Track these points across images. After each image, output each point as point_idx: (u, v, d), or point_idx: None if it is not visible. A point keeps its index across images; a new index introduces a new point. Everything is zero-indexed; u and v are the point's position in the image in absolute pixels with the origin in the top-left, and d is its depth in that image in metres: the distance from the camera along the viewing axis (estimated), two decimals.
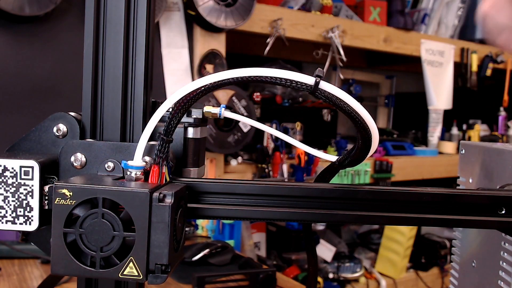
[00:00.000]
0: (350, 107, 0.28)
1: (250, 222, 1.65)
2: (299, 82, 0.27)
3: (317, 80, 0.27)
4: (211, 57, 1.47)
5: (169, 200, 0.27)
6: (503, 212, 0.31)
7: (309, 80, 0.27)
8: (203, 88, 0.28)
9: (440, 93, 2.28)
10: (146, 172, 0.30)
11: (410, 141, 2.28)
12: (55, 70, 1.47)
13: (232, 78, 0.28)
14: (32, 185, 0.30)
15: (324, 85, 0.28)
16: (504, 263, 0.38)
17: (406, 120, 2.62)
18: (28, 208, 0.30)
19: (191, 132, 0.34)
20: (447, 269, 2.15)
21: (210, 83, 0.28)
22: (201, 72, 1.44)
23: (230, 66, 1.50)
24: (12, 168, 0.30)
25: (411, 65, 2.38)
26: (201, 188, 0.31)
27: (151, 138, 0.31)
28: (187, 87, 0.28)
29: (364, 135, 0.30)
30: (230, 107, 1.43)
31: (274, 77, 0.28)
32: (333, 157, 0.36)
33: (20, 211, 0.30)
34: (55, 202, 0.27)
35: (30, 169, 0.30)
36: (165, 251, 0.27)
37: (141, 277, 0.27)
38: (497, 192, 0.32)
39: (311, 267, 0.41)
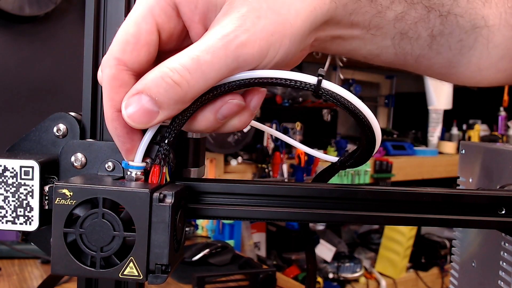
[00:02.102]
0: (353, 105, 0.28)
1: (250, 222, 1.65)
2: (302, 82, 0.28)
3: (320, 79, 0.28)
4: None
5: (169, 200, 0.27)
6: (503, 212, 0.31)
7: (312, 79, 0.28)
8: (210, 94, 0.28)
9: (440, 93, 2.28)
10: (146, 172, 0.30)
11: (410, 141, 2.28)
12: (55, 70, 1.47)
13: (235, 82, 0.28)
14: (32, 185, 0.30)
15: (326, 84, 0.28)
16: (504, 263, 0.38)
17: (406, 120, 2.62)
18: (28, 208, 0.30)
19: (191, 132, 0.34)
20: (447, 269, 2.15)
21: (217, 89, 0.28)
22: None
23: None
24: (12, 168, 0.30)
25: None
26: (201, 188, 0.31)
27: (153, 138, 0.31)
28: None
29: (368, 134, 0.30)
30: None
31: (278, 77, 0.28)
32: (333, 158, 0.36)
33: (20, 211, 0.30)
34: (55, 202, 0.27)
35: (30, 169, 0.30)
36: (165, 251, 0.27)
37: (141, 277, 0.27)
38: (497, 192, 0.32)
39: (310, 265, 0.41)
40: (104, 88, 0.28)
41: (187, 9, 0.28)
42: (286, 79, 0.28)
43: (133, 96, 0.27)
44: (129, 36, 0.28)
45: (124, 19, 0.34)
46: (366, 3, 0.32)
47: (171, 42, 0.30)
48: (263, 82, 0.28)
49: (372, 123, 0.29)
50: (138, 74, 0.28)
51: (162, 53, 0.30)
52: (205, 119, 0.29)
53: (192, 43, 0.30)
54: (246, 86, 0.28)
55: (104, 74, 0.28)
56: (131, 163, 0.29)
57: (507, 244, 0.37)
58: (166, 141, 0.29)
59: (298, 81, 0.28)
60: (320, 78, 0.28)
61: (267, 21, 0.27)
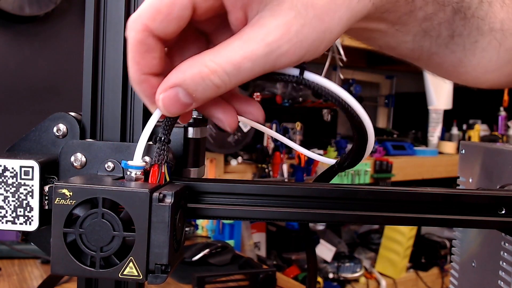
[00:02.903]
0: (335, 94, 0.29)
1: (250, 222, 1.65)
2: (285, 74, 0.29)
3: (301, 71, 0.29)
4: None
5: (169, 200, 0.27)
6: (503, 212, 0.31)
7: (294, 71, 0.29)
8: None
9: (440, 93, 2.28)
10: (146, 172, 0.30)
11: (410, 141, 2.28)
12: (55, 70, 1.47)
13: None
14: (32, 185, 0.30)
15: (308, 75, 0.29)
16: (504, 263, 0.38)
17: (406, 120, 2.62)
18: (28, 208, 0.30)
19: (191, 132, 0.34)
20: (447, 269, 2.15)
21: None
22: None
23: None
24: (12, 168, 0.30)
25: (411, 65, 2.38)
26: (201, 188, 0.31)
27: (151, 138, 0.31)
28: None
29: (356, 125, 0.30)
30: None
31: None
32: (331, 160, 0.36)
33: (20, 211, 0.30)
34: (55, 202, 0.27)
35: (30, 169, 0.30)
36: (165, 251, 0.27)
37: (141, 277, 0.27)
38: (497, 192, 0.32)
39: (311, 265, 0.41)
40: (130, 51, 0.28)
41: None
42: (270, 73, 0.28)
43: (170, 89, 0.27)
44: (163, 5, 0.27)
45: (124, 19, 0.34)
46: (403, 3, 0.32)
47: (205, 17, 0.29)
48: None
49: (357, 110, 0.29)
50: (165, 41, 0.28)
51: (193, 23, 0.30)
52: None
53: (228, 25, 0.29)
54: None
55: (130, 37, 0.28)
56: (130, 163, 0.29)
57: (507, 244, 0.37)
58: (161, 140, 0.29)
59: (282, 73, 0.29)
60: (302, 69, 0.29)
61: (310, 29, 0.27)
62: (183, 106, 0.28)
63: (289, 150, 1.71)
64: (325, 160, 0.37)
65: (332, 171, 0.36)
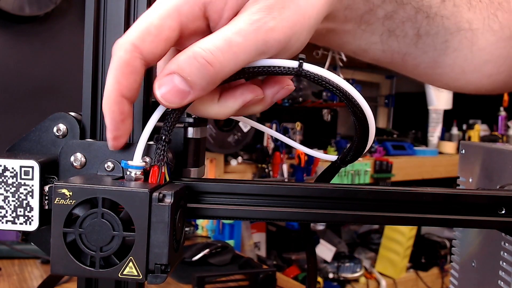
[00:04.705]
0: (335, 83, 0.30)
1: (250, 222, 1.65)
2: (285, 67, 0.29)
3: (300, 62, 0.29)
4: None
5: (168, 200, 0.27)
6: (503, 212, 0.31)
7: (294, 64, 0.29)
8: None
9: (440, 93, 2.28)
10: (146, 172, 0.30)
11: (410, 141, 2.28)
12: (55, 70, 1.47)
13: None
14: (32, 185, 0.30)
15: (307, 66, 0.30)
16: (504, 263, 0.38)
17: (406, 120, 2.62)
18: (28, 208, 0.30)
19: (191, 132, 0.34)
20: (447, 269, 2.15)
21: None
22: None
23: None
24: (12, 168, 0.30)
25: None
26: (201, 188, 0.31)
27: (151, 138, 0.31)
28: None
29: (357, 114, 0.31)
30: None
31: (263, 66, 0.29)
32: (333, 157, 0.36)
33: (20, 211, 0.30)
34: (55, 202, 0.27)
35: (30, 169, 0.30)
36: (164, 251, 0.27)
37: (140, 277, 0.27)
38: (497, 192, 0.32)
39: (310, 265, 0.41)
40: (113, 70, 0.28)
41: (218, 7, 0.29)
42: (270, 66, 0.29)
43: (166, 76, 0.28)
44: (152, 27, 0.27)
45: (124, 19, 0.34)
46: (360, 0, 0.34)
47: (189, 40, 0.30)
48: (250, 72, 0.29)
49: (358, 100, 0.30)
50: (148, 65, 0.29)
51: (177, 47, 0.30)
52: (227, 108, 0.31)
53: None
54: (234, 78, 0.29)
55: (116, 56, 0.28)
56: (130, 162, 0.29)
57: (507, 244, 0.37)
58: (162, 140, 0.29)
59: (281, 66, 0.29)
60: (301, 61, 0.29)
61: (291, 11, 0.29)
62: (181, 94, 0.28)
63: (289, 150, 1.71)
64: (326, 157, 0.37)
65: (334, 167, 0.36)
